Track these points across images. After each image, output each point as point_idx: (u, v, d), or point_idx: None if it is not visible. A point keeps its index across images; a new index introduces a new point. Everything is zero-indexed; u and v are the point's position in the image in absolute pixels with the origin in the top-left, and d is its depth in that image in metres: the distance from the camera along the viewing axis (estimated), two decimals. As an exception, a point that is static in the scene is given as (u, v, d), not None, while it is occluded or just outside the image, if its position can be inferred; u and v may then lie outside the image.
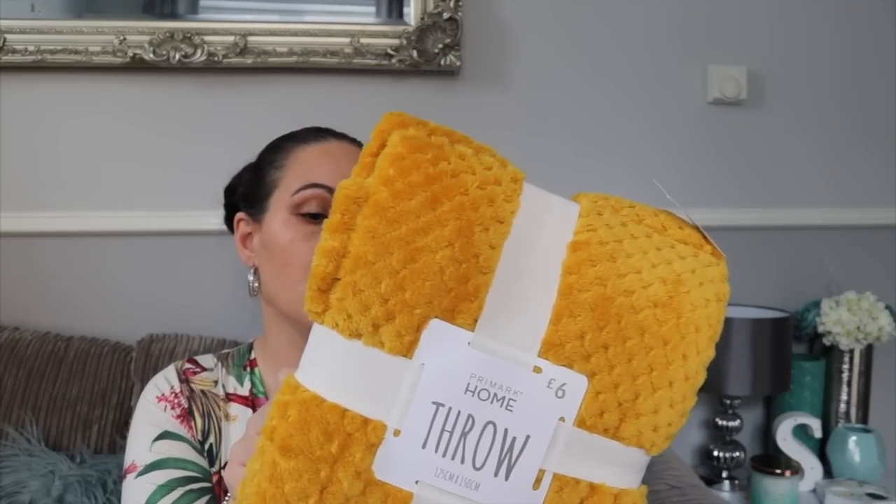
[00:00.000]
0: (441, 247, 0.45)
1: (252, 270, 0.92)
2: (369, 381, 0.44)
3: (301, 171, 0.86)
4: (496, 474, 0.45)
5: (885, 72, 1.59)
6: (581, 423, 0.45)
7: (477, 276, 0.45)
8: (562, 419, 0.45)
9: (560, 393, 0.45)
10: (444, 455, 0.45)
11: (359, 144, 0.91)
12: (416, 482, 0.44)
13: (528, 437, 0.45)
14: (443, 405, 0.45)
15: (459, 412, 0.45)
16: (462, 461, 0.45)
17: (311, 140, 0.89)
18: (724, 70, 1.51)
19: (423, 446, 0.44)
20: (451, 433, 0.45)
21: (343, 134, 0.92)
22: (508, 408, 0.45)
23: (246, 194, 0.92)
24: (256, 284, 0.90)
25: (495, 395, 0.45)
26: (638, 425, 0.45)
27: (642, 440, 0.46)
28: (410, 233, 0.45)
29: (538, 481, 0.45)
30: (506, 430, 0.45)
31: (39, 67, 1.31)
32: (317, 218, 0.84)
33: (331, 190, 0.83)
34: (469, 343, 0.45)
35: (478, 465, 0.45)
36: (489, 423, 0.45)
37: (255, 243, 0.89)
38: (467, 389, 0.45)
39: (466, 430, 0.45)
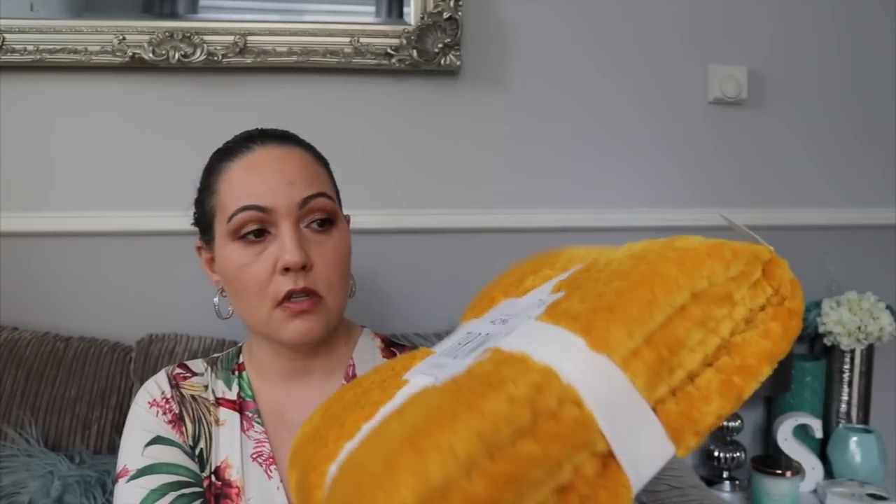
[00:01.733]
0: None
1: (219, 292, 0.91)
2: None
3: (230, 196, 0.83)
4: (458, 359, 0.54)
5: (885, 72, 1.59)
6: (539, 318, 0.51)
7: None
8: (530, 317, 0.52)
9: (542, 301, 0.55)
10: (445, 356, 0.56)
11: (290, 140, 0.87)
12: (413, 375, 0.56)
13: (498, 333, 0.55)
14: (471, 332, 0.58)
15: (480, 333, 0.57)
16: (454, 358, 0.55)
17: (237, 154, 0.85)
18: (725, 70, 1.51)
19: (442, 354, 0.58)
20: (462, 345, 0.56)
21: (272, 133, 0.88)
22: (504, 322, 0.57)
23: (196, 221, 0.91)
24: (227, 307, 0.90)
25: (503, 320, 0.57)
26: (587, 315, 0.48)
27: (579, 327, 0.47)
28: None
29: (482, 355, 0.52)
30: (488, 334, 0.56)
31: (39, 67, 1.31)
32: (260, 236, 0.82)
33: (261, 208, 0.81)
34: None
35: (456, 356, 0.55)
36: (487, 333, 0.56)
37: (217, 268, 0.88)
38: (492, 322, 0.58)
39: (471, 341, 0.56)
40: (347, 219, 0.92)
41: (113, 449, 1.18)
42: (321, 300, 0.82)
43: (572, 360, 0.44)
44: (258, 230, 0.82)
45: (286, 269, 0.80)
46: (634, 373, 0.44)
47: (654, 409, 0.44)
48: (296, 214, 0.82)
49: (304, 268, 0.80)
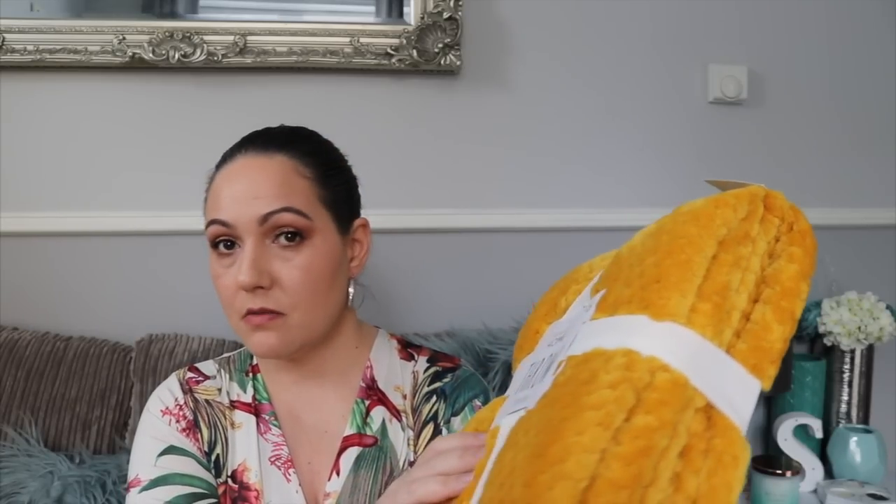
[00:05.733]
0: None
1: None
2: None
3: (209, 205, 0.84)
4: (536, 385, 0.55)
5: (885, 72, 1.59)
6: (594, 317, 0.53)
7: None
8: (584, 322, 0.54)
9: (588, 306, 0.56)
10: (522, 390, 0.57)
11: (274, 146, 0.84)
12: (502, 419, 0.57)
13: (561, 349, 0.55)
14: (534, 363, 0.59)
15: (543, 359, 0.58)
16: (532, 387, 0.55)
17: (225, 162, 0.85)
18: (725, 69, 1.51)
19: (518, 390, 0.59)
20: (532, 375, 0.58)
21: (266, 135, 0.87)
22: (560, 339, 0.57)
23: None
24: None
25: (558, 338, 0.58)
26: (638, 294, 0.51)
27: (635, 307, 0.50)
28: None
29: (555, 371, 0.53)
30: (552, 355, 0.56)
31: (39, 67, 1.31)
32: (231, 248, 0.82)
33: (223, 223, 0.80)
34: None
35: (534, 385, 0.55)
36: (551, 355, 0.56)
37: None
38: (549, 345, 0.60)
39: (539, 368, 0.57)
40: (362, 222, 0.91)
41: (113, 449, 1.18)
42: (282, 316, 0.80)
43: (642, 335, 0.47)
44: (229, 242, 0.82)
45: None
46: (701, 326, 0.47)
47: (729, 354, 0.47)
48: (257, 230, 0.80)
49: (262, 287, 0.79)
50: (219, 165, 0.86)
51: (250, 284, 0.78)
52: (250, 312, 0.80)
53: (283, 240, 0.80)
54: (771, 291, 0.49)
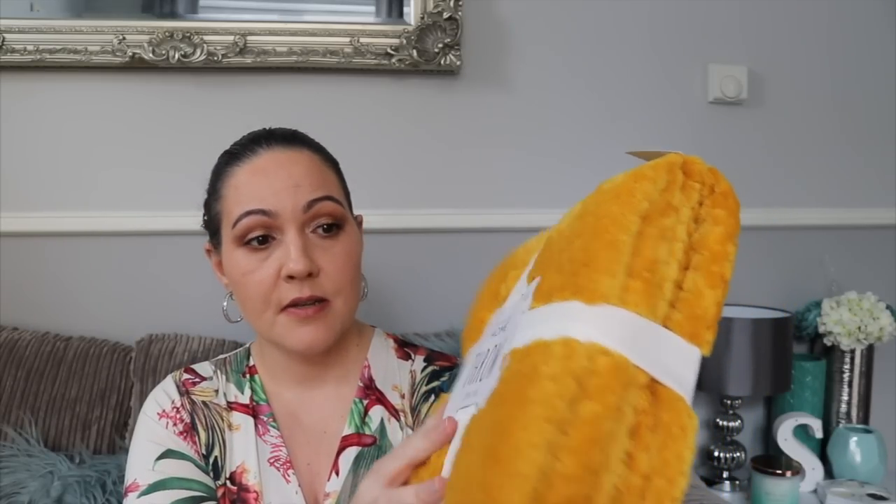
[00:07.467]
0: None
1: (228, 295, 0.91)
2: None
3: (236, 200, 0.82)
4: (484, 379, 0.55)
5: (885, 72, 1.59)
6: (532, 307, 0.53)
7: None
8: (523, 312, 0.54)
9: (525, 294, 0.56)
10: (471, 384, 0.57)
11: (297, 142, 0.86)
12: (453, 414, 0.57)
13: (505, 339, 0.55)
14: (479, 354, 0.60)
15: (488, 349, 0.58)
16: (480, 381, 0.55)
17: (243, 158, 0.84)
18: (725, 69, 1.51)
19: (467, 384, 0.59)
20: (479, 368, 0.57)
21: (280, 134, 0.87)
22: (503, 329, 0.57)
23: (205, 224, 0.90)
24: (236, 311, 0.88)
25: (501, 328, 0.58)
26: (569, 280, 0.51)
27: (569, 293, 0.50)
28: None
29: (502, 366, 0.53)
30: (497, 346, 0.56)
31: (39, 67, 1.31)
32: (265, 242, 0.81)
33: (265, 212, 0.79)
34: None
35: (482, 378, 0.55)
36: (496, 345, 0.56)
37: (225, 272, 0.87)
38: (493, 335, 0.59)
39: (485, 358, 0.57)
40: (359, 219, 0.91)
41: (113, 449, 1.18)
42: (328, 304, 0.81)
43: (579, 321, 0.47)
44: (263, 236, 0.80)
45: (291, 277, 0.79)
46: (634, 304, 0.47)
47: (666, 326, 0.48)
48: (301, 218, 0.80)
49: (311, 275, 0.79)
50: (230, 162, 0.85)
51: (304, 271, 0.78)
52: (294, 304, 0.79)
53: (321, 230, 0.82)
54: (700, 257, 0.50)
